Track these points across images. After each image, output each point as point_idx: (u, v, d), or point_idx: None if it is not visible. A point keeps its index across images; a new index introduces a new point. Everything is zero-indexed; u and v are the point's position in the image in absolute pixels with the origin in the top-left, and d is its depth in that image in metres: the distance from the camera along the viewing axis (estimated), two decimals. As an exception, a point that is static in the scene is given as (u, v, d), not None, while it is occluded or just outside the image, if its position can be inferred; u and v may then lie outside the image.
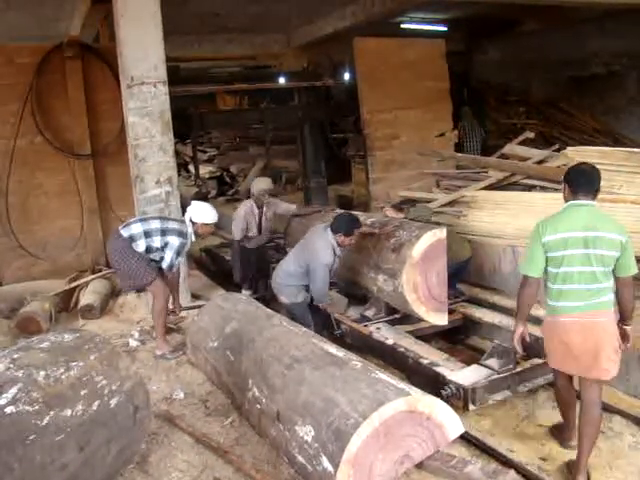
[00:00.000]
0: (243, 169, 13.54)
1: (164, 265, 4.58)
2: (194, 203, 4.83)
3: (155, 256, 4.61)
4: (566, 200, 3.10)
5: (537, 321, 4.49)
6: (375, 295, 4.89)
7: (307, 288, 4.74)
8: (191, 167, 15.23)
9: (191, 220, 4.69)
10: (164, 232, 4.57)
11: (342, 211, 5.60)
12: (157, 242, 4.56)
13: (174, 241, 4.55)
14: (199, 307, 5.13)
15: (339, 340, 4.59)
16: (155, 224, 4.61)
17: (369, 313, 5.02)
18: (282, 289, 4.80)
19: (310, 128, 9.95)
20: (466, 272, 5.41)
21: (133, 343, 4.94)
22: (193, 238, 4.74)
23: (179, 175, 9.00)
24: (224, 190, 13.71)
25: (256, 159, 14.60)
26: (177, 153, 7.02)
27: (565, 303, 3.01)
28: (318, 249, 4.56)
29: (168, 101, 5.51)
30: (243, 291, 6.11)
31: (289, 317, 4.37)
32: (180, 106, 8.87)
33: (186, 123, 9.55)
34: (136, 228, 4.57)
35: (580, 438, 3.10)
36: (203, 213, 4.73)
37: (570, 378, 3.32)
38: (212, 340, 4.07)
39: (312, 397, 2.90)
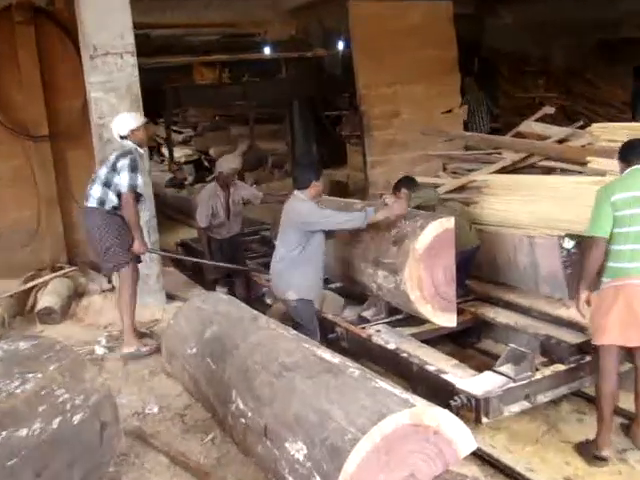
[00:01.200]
0: (224, 152, 13.52)
1: (123, 189, 4.66)
2: (111, 124, 4.93)
3: None
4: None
5: (557, 321, 4.55)
6: (374, 293, 4.89)
7: (312, 267, 4.52)
8: (165, 150, 15.23)
9: (121, 137, 4.81)
10: (114, 167, 4.72)
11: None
12: (117, 180, 4.70)
13: (123, 163, 4.68)
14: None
15: (334, 344, 4.59)
16: (103, 171, 4.77)
17: (368, 314, 5.03)
18: (288, 281, 4.54)
19: (299, 105, 9.96)
20: (475, 265, 5.42)
21: (100, 351, 4.93)
22: (141, 150, 4.89)
23: (151, 159, 8.99)
24: (202, 176, 13.70)
25: (238, 140, 14.59)
26: (148, 134, 6.99)
27: (638, 264, 3.33)
28: (297, 209, 4.48)
29: (137, 74, 5.51)
30: (218, 289, 6.07)
31: (292, 324, 4.30)
32: (151, 80, 8.84)
33: (158, 99, 9.52)
34: (96, 191, 4.74)
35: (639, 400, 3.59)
36: (125, 121, 4.85)
37: (618, 363, 3.52)
38: (190, 346, 4.05)
39: (304, 410, 2.90)
